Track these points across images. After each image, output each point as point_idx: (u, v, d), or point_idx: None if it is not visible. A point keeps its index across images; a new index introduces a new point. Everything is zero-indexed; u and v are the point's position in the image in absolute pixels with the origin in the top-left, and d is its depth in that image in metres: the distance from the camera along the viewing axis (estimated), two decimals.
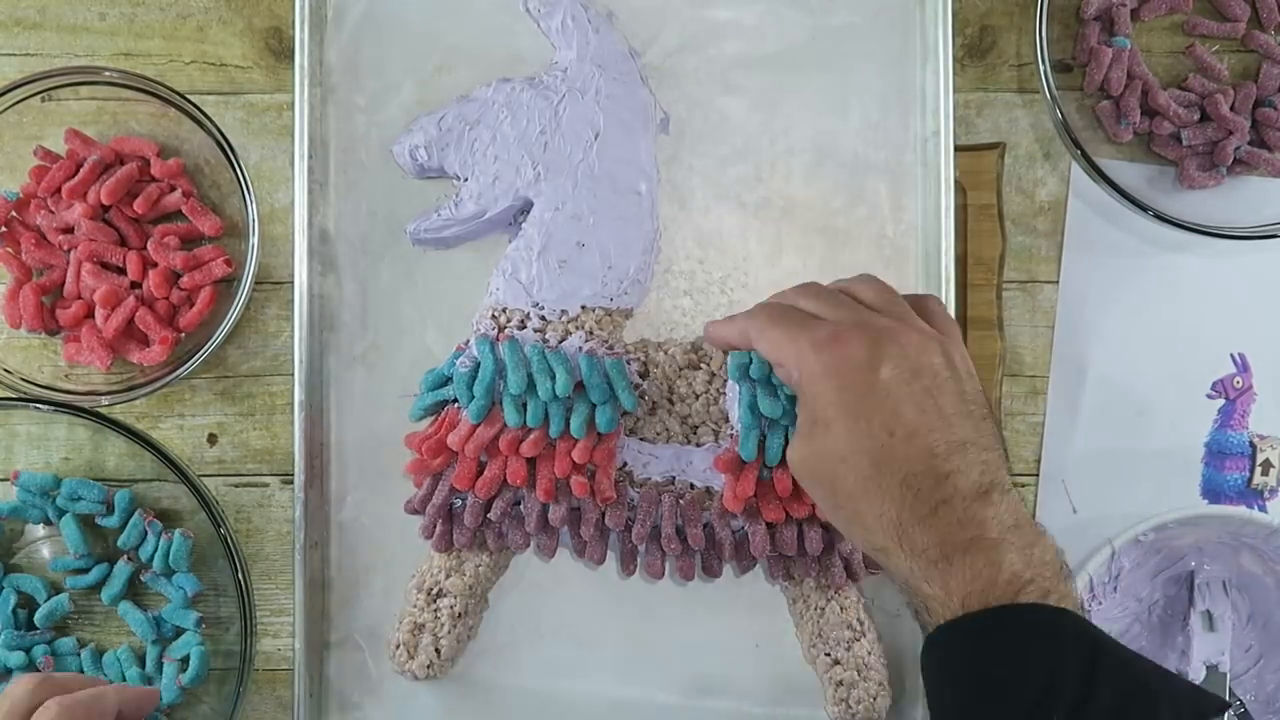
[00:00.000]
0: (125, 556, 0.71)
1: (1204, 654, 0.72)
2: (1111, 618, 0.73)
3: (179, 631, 0.71)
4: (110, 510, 0.70)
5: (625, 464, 0.69)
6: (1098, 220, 0.75)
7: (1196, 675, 0.72)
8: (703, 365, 0.69)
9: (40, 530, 0.72)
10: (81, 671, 0.70)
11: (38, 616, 0.70)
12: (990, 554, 0.52)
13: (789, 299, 0.61)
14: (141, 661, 0.71)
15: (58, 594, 0.71)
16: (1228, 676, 0.72)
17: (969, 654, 0.51)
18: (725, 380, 0.68)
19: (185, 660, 0.70)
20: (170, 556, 0.70)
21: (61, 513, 0.71)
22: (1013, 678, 0.49)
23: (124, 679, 0.70)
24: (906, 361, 0.55)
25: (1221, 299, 0.75)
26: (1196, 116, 0.74)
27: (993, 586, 0.51)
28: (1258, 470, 0.74)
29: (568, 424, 0.66)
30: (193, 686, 0.69)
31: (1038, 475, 0.74)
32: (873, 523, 0.54)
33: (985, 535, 0.52)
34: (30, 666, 0.69)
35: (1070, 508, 0.74)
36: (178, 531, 0.70)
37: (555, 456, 0.67)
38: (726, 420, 0.68)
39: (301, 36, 0.70)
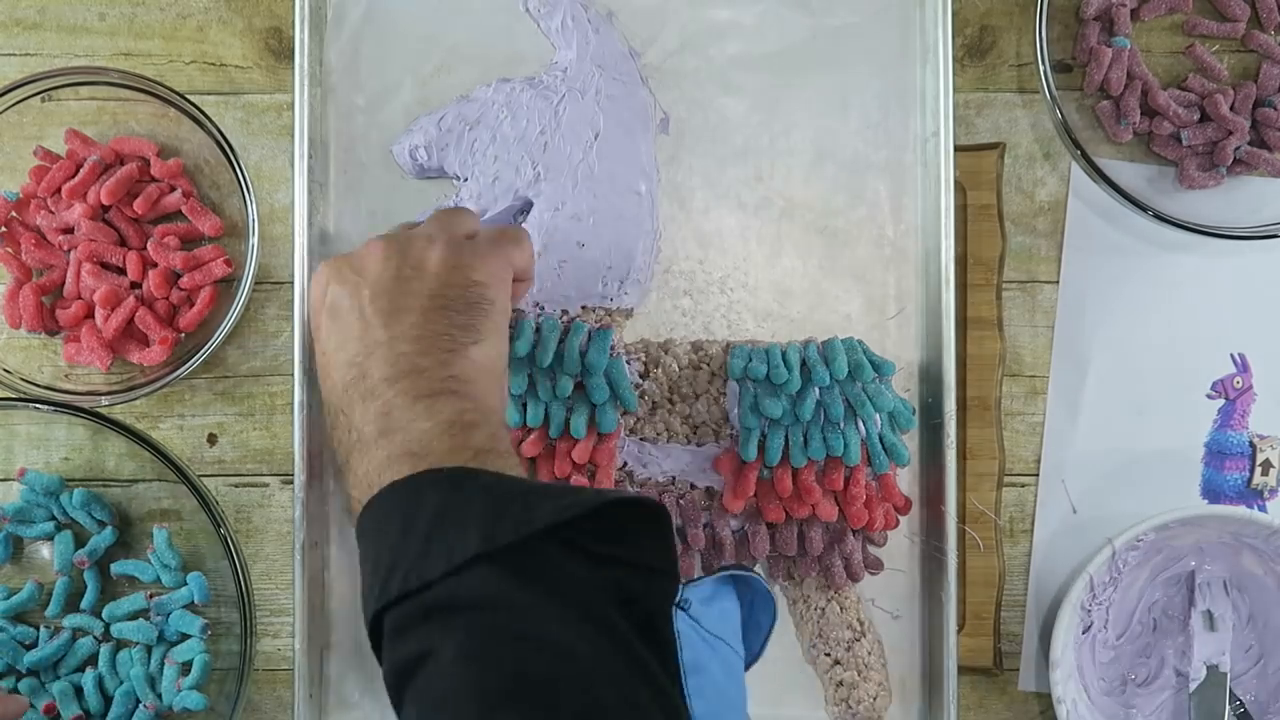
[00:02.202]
0: (147, 594, 0.71)
1: (1204, 654, 0.72)
2: (1112, 618, 0.73)
3: (183, 636, 0.71)
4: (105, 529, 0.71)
5: (626, 464, 0.69)
6: (1098, 220, 0.75)
7: (1197, 675, 0.72)
8: (703, 365, 0.69)
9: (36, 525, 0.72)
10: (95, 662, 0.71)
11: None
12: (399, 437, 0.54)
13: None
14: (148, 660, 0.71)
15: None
16: (1228, 676, 0.72)
17: (364, 528, 0.53)
18: (725, 380, 0.68)
19: (187, 665, 0.70)
20: (159, 557, 0.70)
21: (67, 515, 0.71)
22: (377, 543, 0.51)
23: (129, 677, 0.70)
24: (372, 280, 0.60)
25: (1221, 299, 0.75)
26: (1196, 116, 0.74)
27: (391, 465, 0.53)
28: (1258, 470, 0.74)
29: (568, 424, 0.66)
30: (191, 689, 0.69)
31: (1038, 475, 0.74)
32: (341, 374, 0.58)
33: (390, 428, 0.55)
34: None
35: (1070, 508, 0.74)
36: (156, 528, 0.70)
37: (556, 456, 0.67)
38: (727, 420, 0.68)
39: (301, 36, 0.70)
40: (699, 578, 0.65)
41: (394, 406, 0.55)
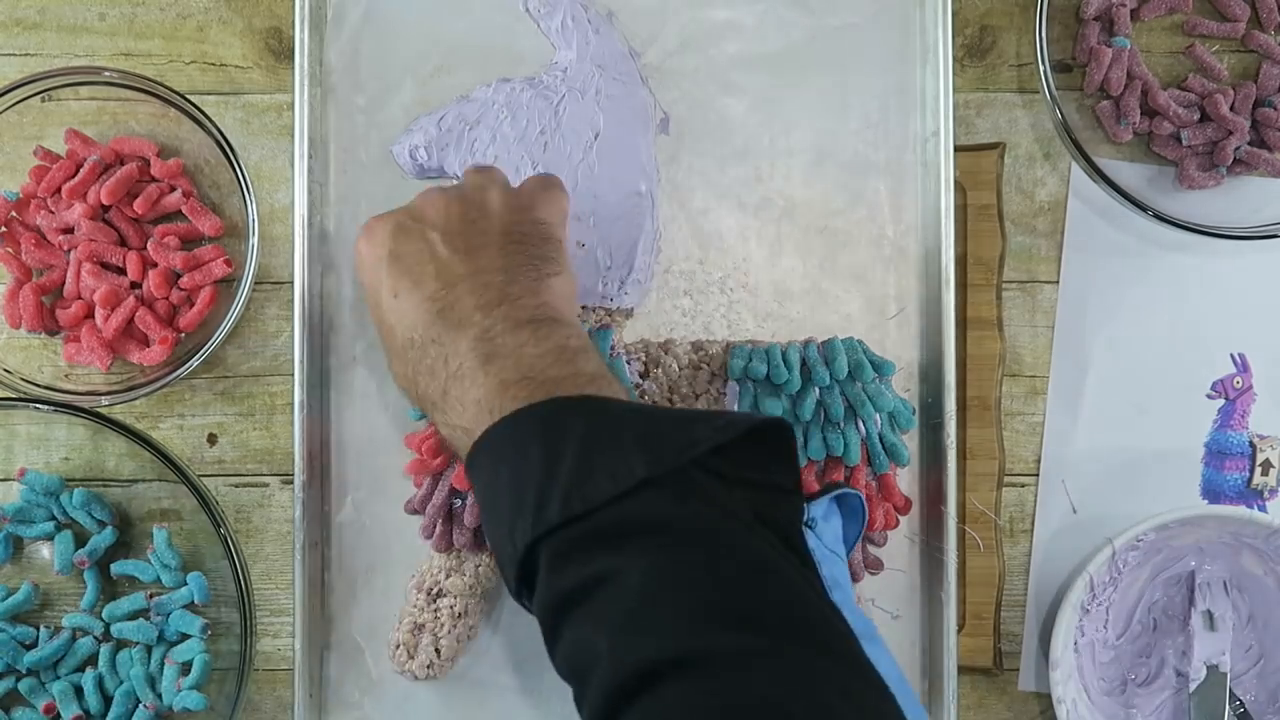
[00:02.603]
0: (147, 594, 0.71)
1: (1204, 654, 0.72)
2: (1112, 618, 0.73)
3: (183, 636, 0.71)
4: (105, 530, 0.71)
5: None
6: (1098, 220, 0.75)
7: (1197, 675, 0.72)
8: (703, 365, 0.69)
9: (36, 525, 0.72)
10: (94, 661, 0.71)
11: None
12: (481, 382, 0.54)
13: None
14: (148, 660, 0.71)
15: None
16: (1228, 676, 0.72)
17: (493, 456, 0.52)
18: (725, 380, 0.68)
19: (187, 665, 0.70)
20: (159, 557, 0.70)
21: (67, 515, 0.71)
22: (506, 480, 0.50)
23: (129, 677, 0.70)
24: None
25: (1221, 299, 0.75)
26: (1196, 116, 0.74)
27: (481, 413, 0.53)
28: (1257, 470, 0.74)
29: None
30: (192, 689, 0.69)
31: (1038, 475, 0.74)
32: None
33: (471, 372, 0.54)
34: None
35: (1070, 507, 0.74)
36: (156, 528, 0.70)
37: None
38: None
39: (301, 36, 0.70)
40: (814, 494, 0.64)
41: (495, 333, 0.54)
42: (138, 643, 0.70)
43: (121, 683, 0.70)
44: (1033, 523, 0.74)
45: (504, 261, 0.57)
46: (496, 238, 0.58)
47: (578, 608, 0.46)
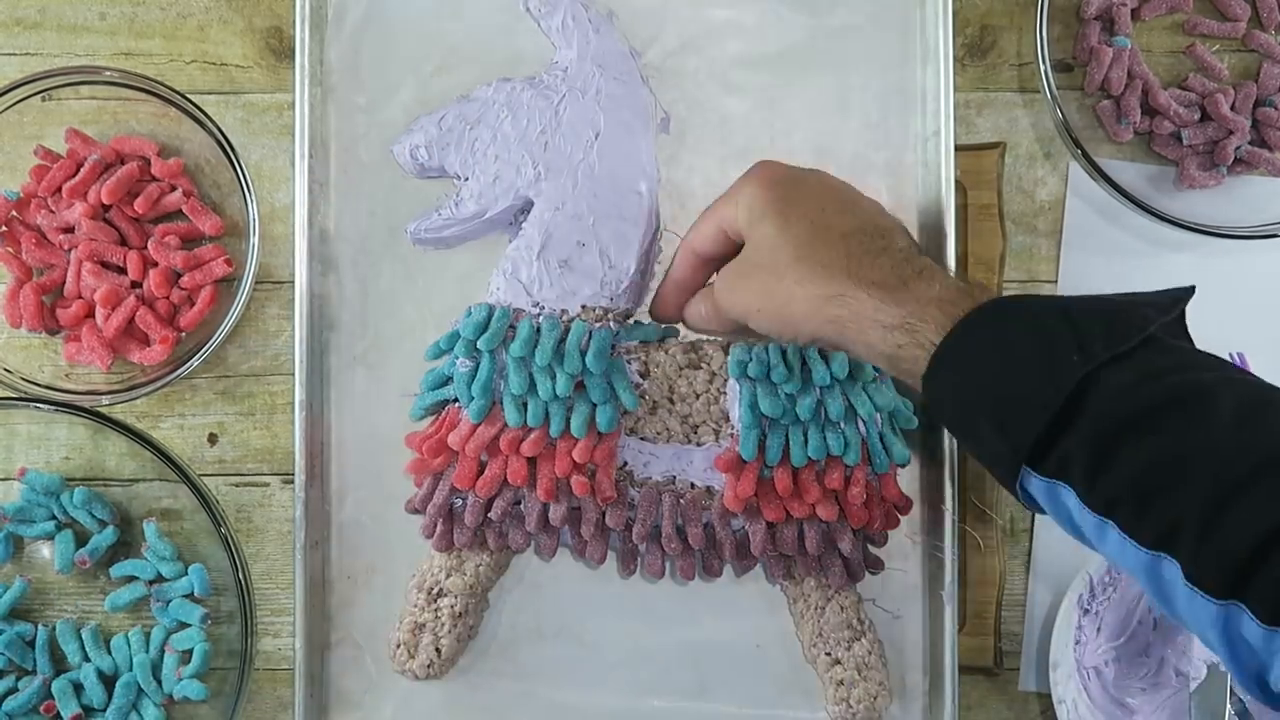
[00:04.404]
0: (145, 582, 0.71)
1: (1204, 653, 0.72)
2: (1112, 618, 0.73)
3: (182, 624, 0.71)
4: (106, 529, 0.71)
5: (626, 463, 0.69)
6: (1098, 220, 0.75)
7: (1198, 675, 0.72)
8: (703, 365, 0.69)
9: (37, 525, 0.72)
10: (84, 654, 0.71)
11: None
12: (941, 276, 0.55)
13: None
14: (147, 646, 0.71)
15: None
16: (1228, 676, 0.72)
17: (968, 356, 0.52)
18: (725, 379, 0.68)
19: (187, 654, 0.70)
20: (153, 550, 0.70)
21: (67, 515, 0.71)
22: (1015, 351, 0.51)
23: (130, 664, 0.70)
24: (821, 178, 0.61)
25: (1221, 299, 0.75)
26: (1197, 116, 0.74)
27: (961, 295, 0.53)
28: None
29: (568, 423, 0.66)
30: (192, 679, 0.70)
31: None
32: (821, 272, 0.56)
33: (931, 267, 0.55)
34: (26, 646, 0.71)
35: None
36: (145, 522, 0.71)
37: (556, 456, 0.67)
38: (727, 419, 0.68)
39: (302, 36, 0.70)
40: None
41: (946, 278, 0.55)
42: (136, 624, 0.70)
43: (121, 675, 0.70)
44: (1033, 522, 0.74)
45: (911, 240, 0.60)
46: (892, 218, 0.61)
47: (1156, 431, 0.47)
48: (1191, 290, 0.52)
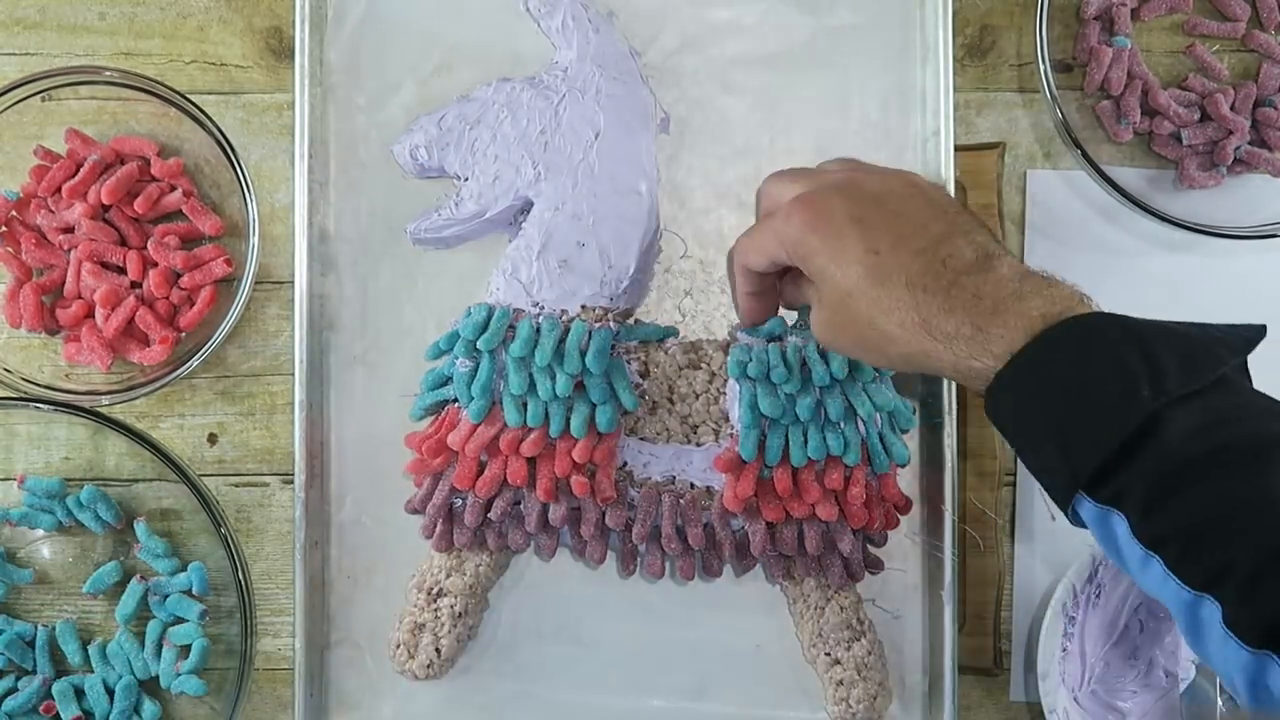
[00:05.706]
0: (138, 575, 0.71)
1: (1193, 654, 0.72)
2: (1098, 624, 0.73)
3: (179, 620, 0.71)
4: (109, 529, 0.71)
5: (625, 463, 0.69)
6: (1098, 220, 0.75)
7: (1187, 675, 0.72)
8: (703, 365, 0.69)
9: (40, 530, 0.72)
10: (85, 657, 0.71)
11: None
12: (1016, 306, 0.53)
13: (771, 197, 0.63)
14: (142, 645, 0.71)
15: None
16: (1217, 676, 0.71)
17: (1040, 374, 0.52)
18: (725, 379, 0.68)
19: (186, 649, 0.70)
20: (148, 549, 0.71)
21: (71, 517, 0.71)
22: (1087, 376, 0.51)
23: (129, 666, 0.70)
24: (866, 195, 0.58)
25: (1221, 299, 0.75)
26: (1196, 116, 0.74)
27: (1033, 328, 0.53)
28: None
29: (568, 423, 0.66)
30: (190, 674, 0.70)
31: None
32: (902, 333, 0.55)
33: (1003, 295, 0.54)
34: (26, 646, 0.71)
35: (1049, 514, 0.74)
36: (135, 521, 0.71)
37: (555, 456, 0.67)
38: (726, 420, 0.68)
39: (301, 36, 0.70)
40: None
41: (1020, 272, 0.55)
42: (136, 617, 0.71)
43: (121, 677, 0.70)
44: (1013, 529, 0.74)
45: (973, 224, 0.59)
46: (953, 207, 0.60)
47: (1217, 477, 0.47)
48: (1264, 330, 0.53)
